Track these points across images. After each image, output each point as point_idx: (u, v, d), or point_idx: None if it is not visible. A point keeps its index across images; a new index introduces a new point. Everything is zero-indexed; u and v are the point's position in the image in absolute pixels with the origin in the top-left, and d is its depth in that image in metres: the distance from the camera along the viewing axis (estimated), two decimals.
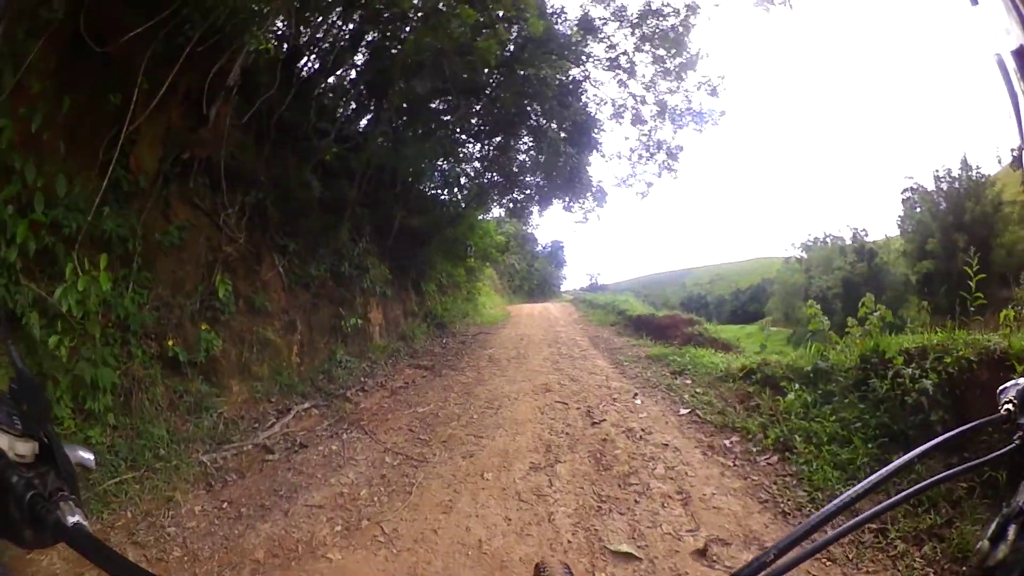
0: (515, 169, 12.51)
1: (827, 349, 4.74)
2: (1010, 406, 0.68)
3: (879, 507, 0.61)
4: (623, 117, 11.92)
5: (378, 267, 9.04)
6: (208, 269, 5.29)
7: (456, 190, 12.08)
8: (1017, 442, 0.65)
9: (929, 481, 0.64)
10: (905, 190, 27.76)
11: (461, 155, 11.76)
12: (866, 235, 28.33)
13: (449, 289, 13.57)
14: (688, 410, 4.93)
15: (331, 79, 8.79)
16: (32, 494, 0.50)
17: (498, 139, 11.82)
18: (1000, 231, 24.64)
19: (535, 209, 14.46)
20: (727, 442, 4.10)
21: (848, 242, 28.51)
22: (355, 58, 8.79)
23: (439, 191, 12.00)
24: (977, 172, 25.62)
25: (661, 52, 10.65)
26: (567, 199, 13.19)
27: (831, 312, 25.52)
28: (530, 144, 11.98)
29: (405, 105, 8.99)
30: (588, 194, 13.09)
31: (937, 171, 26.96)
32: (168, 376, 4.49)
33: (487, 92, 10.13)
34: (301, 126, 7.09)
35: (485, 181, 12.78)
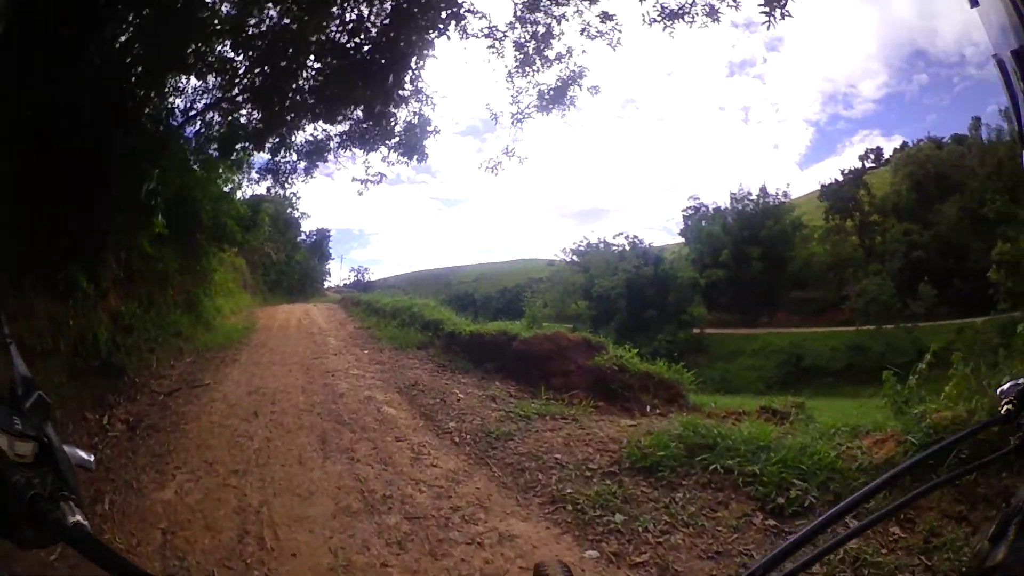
0: (286, 77, 7.04)
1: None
2: (1010, 406, 0.68)
3: (883, 512, 0.61)
4: None
5: None
6: None
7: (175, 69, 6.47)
8: (1017, 442, 0.64)
9: (931, 484, 0.64)
10: (687, 208, 35.69)
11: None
12: (642, 242, 32.44)
13: (142, 286, 7.32)
14: None
15: None
16: (32, 494, 0.50)
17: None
18: (797, 246, 31.06)
19: (301, 164, 9.13)
20: None
21: (627, 248, 32.14)
22: None
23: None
24: (774, 197, 32.74)
25: None
26: (366, 128, 8.11)
27: (615, 311, 27.86)
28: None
29: None
30: (400, 118, 7.91)
31: (734, 193, 33.75)
32: None
33: None
34: None
35: (233, 112, 7.85)
